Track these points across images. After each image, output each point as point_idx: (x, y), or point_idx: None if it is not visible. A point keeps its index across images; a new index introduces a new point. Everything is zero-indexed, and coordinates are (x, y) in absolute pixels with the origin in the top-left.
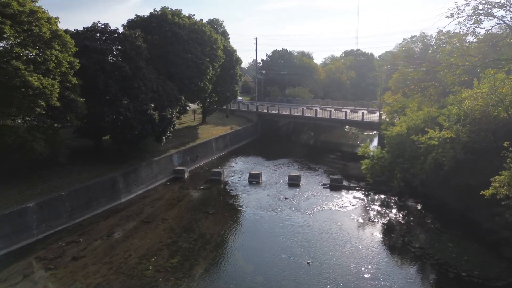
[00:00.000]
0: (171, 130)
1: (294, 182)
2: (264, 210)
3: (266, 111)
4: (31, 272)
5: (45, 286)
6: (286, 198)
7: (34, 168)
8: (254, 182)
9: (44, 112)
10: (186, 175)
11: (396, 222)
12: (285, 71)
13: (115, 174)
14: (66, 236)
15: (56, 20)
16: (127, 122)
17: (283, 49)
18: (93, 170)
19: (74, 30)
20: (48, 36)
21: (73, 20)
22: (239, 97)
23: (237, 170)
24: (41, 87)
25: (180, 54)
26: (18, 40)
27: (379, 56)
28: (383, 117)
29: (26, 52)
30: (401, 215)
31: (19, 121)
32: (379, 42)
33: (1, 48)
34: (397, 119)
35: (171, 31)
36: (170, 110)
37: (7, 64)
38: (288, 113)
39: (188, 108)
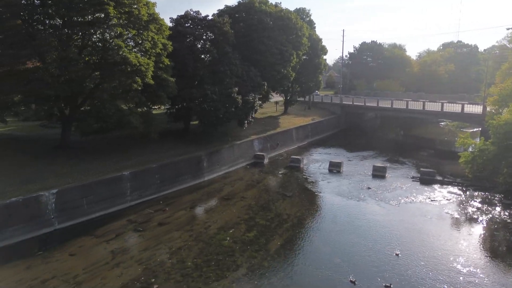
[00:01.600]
0: (253, 115)
1: (379, 173)
2: (344, 198)
3: (350, 102)
4: (123, 232)
5: (134, 244)
6: (369, 188)
7: (130, 144)
8: (334, 171)
9: (140, 89)
10: (266, 160)
11: (501, 221)
12: (374, 63)
13: (200, 154)
14: (154, 205)
15: (154, 4)
16: (213, 105)
17: (372, 41)
18: (180, 149)
19: (170, 18)
20: (145, 19)
21: (170, 7)
22: (316, 91)
23: (317, 160)
24: (138, 64)
25: (265, 41)
26: (120, 21)
27: (485, 50)
28: (488, 108)
29: (126, 32)
30: (507, 214)
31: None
32: (481, 36)
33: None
34: (505, 108)
35: (257, 19)
36: (253, 95)
37: (110, 42)
38: (375, 105)
39: (271, 96)
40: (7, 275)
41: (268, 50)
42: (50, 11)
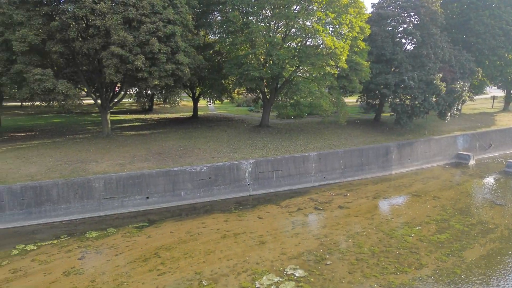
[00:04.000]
0: (459, 107)
1: None
2: None
3: None
4: (304, 207)
5: (313, 220)
6: None
7: (319, 128)
8: None
9: (332, 72)
10: (471, 162)
11: None
12: None
13: (389, 144)
14: (336, 189)
15: None
16: (410, 92)
17: None
18: (369, 138)
19: (371, 3)
20: (346, 2)
21: None
22: None
23: None
24: (333, 47)
25: (485, 21)
26: (320, 5)
27: None
28: None
29: (325, 16)
30: None
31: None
32: None
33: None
34: None
35: None
36: (461, 83)
37: (310, 27)
38: None
39: (486, 86)
40: (210, 223)
41: (488, 31)
42: (264, 4)
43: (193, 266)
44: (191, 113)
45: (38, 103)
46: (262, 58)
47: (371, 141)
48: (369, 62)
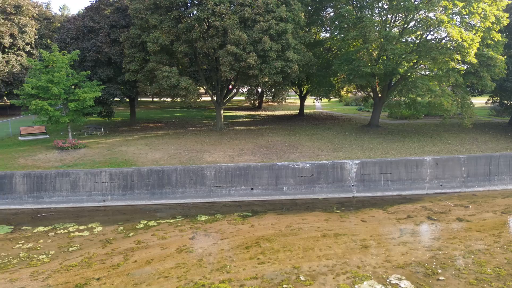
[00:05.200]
0: None
1: None
2: None
3: None
4: (415, 215)
5: (424, 230)
6: None
7: (437, 131)
8: None
9: (457, 69)
10: None
11: None
12: None
13: None
14: (454, 199)
15: None
16: None
17: None
18: (500, 144)
19: None
20: None
21: None
22: None
23: None
24: (460, 40)
25: None
26: None
27: None
28: None
29: (451, 5)
30: None
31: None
32: None
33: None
34: None
35: None
36: None
37: (433, 18)
38: None
39: None
40: (310, 220)
41: None
42: None
43: (292, 260)
44: (298, 111)
45: (165, 99)
46: (375, 53)
47: (503, 148)
48: (505, 57)
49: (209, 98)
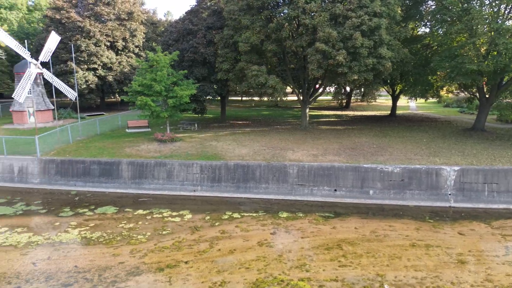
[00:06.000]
0: None
1: None
2: None
3: None
4: None
5: None
6: None
7: None
8: None
9: None
10: None
11: None
12: None
13: None
14: None
15: None
16: None
17: None
18: None
19: None
20: None
21: None
22: None
23: None
24: None
25: None
26: None
27: None
28: None
29: None
30: None
31: None
32: None
33: None
34: None
35: None
36: None
37: None
38: None
39: None
40: (398, 228)
41: None
42: None
43: (376, 266)
44: (389, 112)
45: (253, 98)
46: (483, 48)
47: None
48: None
49: (295, 98)
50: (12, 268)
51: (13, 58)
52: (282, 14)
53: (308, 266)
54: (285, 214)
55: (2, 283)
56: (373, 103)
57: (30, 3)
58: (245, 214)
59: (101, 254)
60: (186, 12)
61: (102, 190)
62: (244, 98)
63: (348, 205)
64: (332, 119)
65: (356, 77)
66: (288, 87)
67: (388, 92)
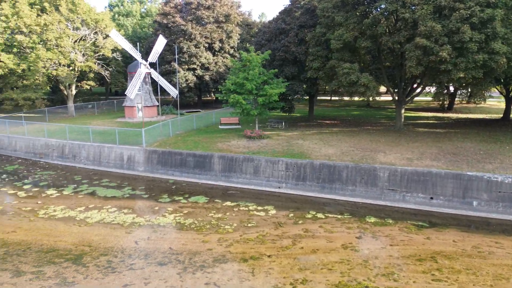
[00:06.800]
0: None
1: None
2: None
3: None
4: None
5: None
6: None
7: None
8: None
9: None
10: None
11: None
12: None
13: None
14: None
15: None
16: None
17: None
18: None
19: None
20: None
21: None
22: None
23: None
24: None
25: None
26: None
27: None
28: None
29: None
30: None
31: None
32: None
33: None
34: None
35: None
36: None
37: None
38: None
39: None
40: (507, 245)
41: None
42: None
43: (476, 285)
44: (501, 115)
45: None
46: None
47: None
48: None
49: (388, 98)
50: (118, 244)
51: (127, 59)
52: (379, 9)
53: (396, 276)
54: (372, 219)
55: (110, 256)
56: (482, 105)
57: (142, 10)
58: (330, 215)
59: (192, 239)
60: (279, 12)
61: (195, 181)
62: (333, 98)
63: (446, 215)
64: (431, 121)
65: (462, 75)
66: (382, 86)
67: (501, 93)
